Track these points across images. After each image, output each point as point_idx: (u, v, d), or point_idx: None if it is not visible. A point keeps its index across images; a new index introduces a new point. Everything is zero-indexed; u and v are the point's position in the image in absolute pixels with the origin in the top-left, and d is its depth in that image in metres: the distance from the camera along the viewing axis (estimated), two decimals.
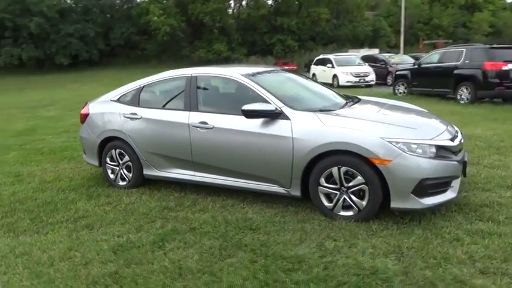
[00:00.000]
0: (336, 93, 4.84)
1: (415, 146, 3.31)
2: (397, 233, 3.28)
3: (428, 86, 12.44)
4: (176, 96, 4.48)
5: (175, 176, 4.48)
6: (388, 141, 3.30)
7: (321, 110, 3.81)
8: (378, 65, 20.55)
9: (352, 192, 3.49)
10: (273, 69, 5.09)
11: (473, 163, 5.10)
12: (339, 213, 3.58)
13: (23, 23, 34.55)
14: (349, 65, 19.90)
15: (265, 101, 3.81)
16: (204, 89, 4.32)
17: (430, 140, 3.41)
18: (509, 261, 2.78)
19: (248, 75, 4.10)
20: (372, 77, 19.20)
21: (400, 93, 13.77)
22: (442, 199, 3.42)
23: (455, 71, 11.24)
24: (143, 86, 4.77)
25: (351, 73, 19.12)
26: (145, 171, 4.67)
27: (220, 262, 2.97)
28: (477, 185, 4.33)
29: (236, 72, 4.16)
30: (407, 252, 2.97)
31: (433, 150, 3.37)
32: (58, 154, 7.01)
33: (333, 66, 20.10)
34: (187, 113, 4.24)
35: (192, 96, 4.30)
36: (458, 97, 11.15)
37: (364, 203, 3.45)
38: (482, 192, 4.12)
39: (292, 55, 42.26)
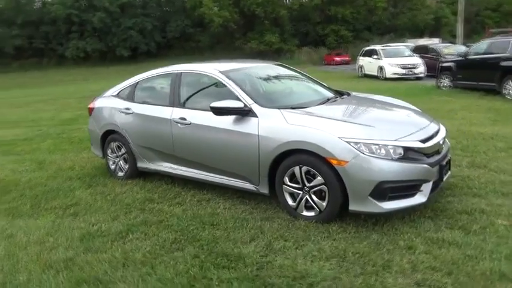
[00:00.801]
0: (327, 88, 4.74)
1: (376, 147, 3.18)
2: (351, 237, 3.20)
3: (473, 79, 11.60)
4: (163, 92, 4.63)
5: (162, 169, 4.66)
6: (346, 142, 3.20)
7: (293, 108, 3.76)
8: (430, 56, 19.39)
9: (314, 193, 3.44)
10: (264, 65, 5.06)
11: (480, 166, 4.78)
12: (302, 213, 3.54)
13: (87, 17, 36.89)
14: (397, 57, 19.06)
15: (237, 98, 3.83)
16: (187, 85, 4.43)
17: (395, 140, 3.25)
18: (454, 274, 2.61)
19: (226, 72, 4.14)
20: (421, 69, 18.23)
21: (445, 86, 12.98)
22: (407, 204, 3.27)
23: (502, 63, 10.38)
24: (137, 82, 4.97)
25: (398, 65, 18.32)
26: (138, 164, 4.90)
27: (166, 255, 3.08)
28: (470, 190, 4.06)
29: (214, 69, 4.22)
30: (350, 257, 2.89)
31: (400, 151, 3.22)
32: (84, 144, 7.47)
33: (379, 58, 19.35)
34: (171, 109, 4.38)
35: (175, 93, 4.43)
36: (505, 92, 10.31)
37: (324, 204, 3.39)
38: (471, 197, 3.87)
39: (346, 46, 41.11)
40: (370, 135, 3.25)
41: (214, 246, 3.15)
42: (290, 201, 3.60)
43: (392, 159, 3.18)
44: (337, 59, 37.00)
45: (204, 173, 4.24)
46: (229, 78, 4.03)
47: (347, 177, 3.20)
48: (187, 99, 4.37)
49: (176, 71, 4.54)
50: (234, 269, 2.82)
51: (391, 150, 3.20)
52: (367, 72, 20.85)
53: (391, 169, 3.15)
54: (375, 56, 19.76)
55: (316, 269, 2.75)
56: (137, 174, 5.03)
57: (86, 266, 3.01)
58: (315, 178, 3.39)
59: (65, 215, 4.14)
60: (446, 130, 4.05)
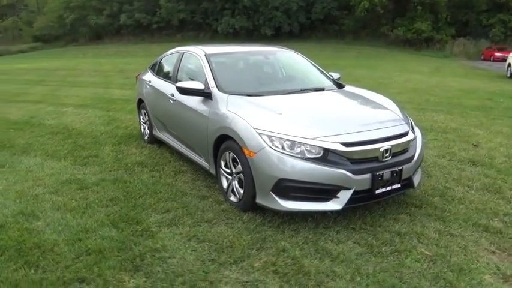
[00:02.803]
0: (328, 77, 4.58)
1: (289, 143, 3.09)
2: (245, 228, 3.21)
3: None
4: (171, 69, 5.08)
5: (164, 138, 5.17)
6: (258, 133, 3.19)
7: (249, 95, 3.81)
8: None
9: (238, 180, 3.51)
10: (265, 49, 5.05)
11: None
12: (230, 198, 3.65)
13: None
14: None
15: (205, 80, 4.05)
16: (183, 65, 4.78)
17: (311, 139, 3.08)
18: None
19: (209, 55, 4.36)
20: None
21: None
22: (314, 207, 3.13)
23: None
24: (162, 58, 5.52)
25: None
26: (153, 131, 5.51)
27: (97, 207, 3.59)
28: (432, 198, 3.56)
29: (201, 50, 4.47)
30: (224, 245, 2.96)
31: (317, 151, 3.07)
32: None
33: None
34: (171, 85, 4.81)
35: (175, 71, 4.85)
36: None
37: (242, 192, 3.45)
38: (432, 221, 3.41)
39: None
40: (289, 130, 3.15)
41: (128, 210, 3.52)
42: (225, 185, 3.73)
43: (302, 158, 3.05)
44: (498, 54, 32.11)
45: (183, 146, 4.60)
46: (208, 61, 4.25)
47: (254, 168, 3.21)
48: (181, 77, 4.72)
49: (182, 51, 4.92)
50: (121, 230, 3.16)
51: (307, 149, 3.07)
52: None
53: (295, 168, 3.04)
54: None
55: (172, 245, 2.92)
56: (156, 140, 5.63)
57: (40, 201, 3.71)
58: (237, 165, 3.46)
59: (77, 162, 4.98)
60: (420, 140, 3.61)
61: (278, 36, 40.97)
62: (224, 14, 42.15)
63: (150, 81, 5.44)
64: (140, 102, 5.89)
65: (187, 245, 2.95)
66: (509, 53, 30.75)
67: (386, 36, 39.05)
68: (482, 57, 33.47)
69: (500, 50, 32.82)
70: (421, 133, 3.85)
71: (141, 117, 5.95)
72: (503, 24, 36.78)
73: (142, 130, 5.96)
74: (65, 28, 49.43)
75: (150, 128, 5.58)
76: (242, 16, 41.49)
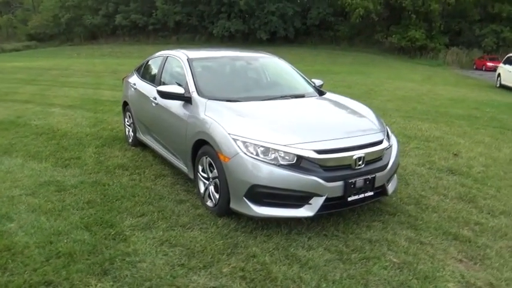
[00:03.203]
0: (310, 84, 4.64)
1: (262, 149, 3.13)
2: (218, 233, 3.23)
3: None
4: (154, 72, 5.10)
5: (147, 141, 5.18)
6: (233, 139, 3.22)
7: (228, 100, 3.84)
8: None
9: (214, 185, 3.53)
10: (248, 55, 5.07)
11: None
12: (206, 203, 3.67)
13: (236, 0, 39.55)
14: None
15: (186, 85, 4.08)
16: (166, 68, 4.80)
17: (285, 146, 3.12)
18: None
19: (191, 59, 4.38)
20: None
21: None
22: (286, 214, 3.16)
23: None
24: (147, 61, 5.54)
25: None
26: (137, 134, 5.51)
27: (72, 210, 3.60)
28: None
29: (184, 54, 4.49)
30: (196, 250, 2.98)
31: (290, 158, 3.10)
32: None
33: None
34: (153, 88, 4.82)
35: (159, 74, 4.87)
36: None
37: (217, 197, 3.47)
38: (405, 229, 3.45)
39: (507, 50, 35.58)
40: (263, 136, 3.18)
41: (103, 213, 3.53)
42: (202, 189, 3.75)
43: (275, 165, 3.08)
44: (490, 64, 32.47)
45: (164, 150, 4.62)
46: (189, 65, 4.28)
47: (228, 174, 3.24)
48: (164, 80, 4.74)
49: (166, 55, 4.95)
50: (94, 233, 3.17)
51: (280, 155, 3.10)
52: (503, 83, 18.06)
53: (268, 174, 3.07)
54: None
55: (143, 250, 2.93)
56: (139, 143, 5.63)
57: (15, 202, 3.71)
58: (213, 170, 3.49)
59: (58, 164, 4.97)
60: (395, 148, 3.66)
61: (273, 40, 41.16)
62: (220, 17, 42.26)
63: (134, 84, 5.46)
64: (125, 104, 5.90)
65: (158, 250, 2.96)
66: (500, 63, 31.30)
67: (381, 43, 39.37)
68: (474, 67, 33.83)
69: (492, 60, 33.15)
70: (402, 141, 3.90)
71: (126, 119, 5.96)
72: (496, 35, 37.21)
73: (127, 133, 5.97)
74: (60, 27, 49.27)
75: (134, 131, 5.59)
76: (238, 20, 41.63)
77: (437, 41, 37.59)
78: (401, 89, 14.57)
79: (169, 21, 44.03)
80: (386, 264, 2.85)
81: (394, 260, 2.91)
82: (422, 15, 37.33)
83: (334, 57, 34.56)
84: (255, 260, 2.85)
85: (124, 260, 2.81)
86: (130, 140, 5.81)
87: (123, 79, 6.33)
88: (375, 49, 39.50)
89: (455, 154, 5.67)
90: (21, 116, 7.98)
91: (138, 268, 2.72)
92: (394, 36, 37.66)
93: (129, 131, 5.85)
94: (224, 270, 2.73)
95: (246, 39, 42.44)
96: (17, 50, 46.38)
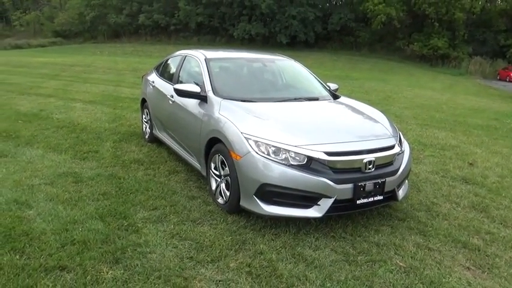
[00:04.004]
0: (325, 88, 4.68)
1: (274, 149, 3.19)
2: (227, 229, 3.29)
3: None
4: (173, 71, 5.21)
5: (163, 138, 5.29)
6: (245, 138, 3.29)
7: (243, 100, 3.91)
8: None
9: (226, 182, 3.61)
10: (263, 57, 5.15)
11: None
12: (217, 200, 3.75)
13: (257, 3, 39.70)
14: None
15: (202, 83, 4.17)
16: (185, 67, 4.91)
17: (296, 146, 3.17)
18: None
19: (209, 59, 4.47)
20: None
21: None
22: (295, 213, 3.20)
23: None
24: (166, 60, 5.67)
25: None
26: (154, 131, 5.64)
27: (88, 200, 3.71)
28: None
29: (202, 54, 4.59)
30: (205, 244, 3.05)
31: (301, 158, 3.15)
32: None
33: None
34: (171, 86, 4.93)
35: (177, 73, 4.98)
36: None
37: (228, 194, 3.54)
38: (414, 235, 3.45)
39: None
40: (275, 137, 3.24)
41: (117, 205, 3.64)
42: (214, 187, 3.83)
43: (286, 165, 3.13)
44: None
45: (178, 146, 4.72)
46: (207, 65, 4.37)
47: (239, 172, 3.31)
48: (181, 79, 4.85)
49: (184, 54, 5.06)
50: (107, 224, 3.28)
51: (291, 156, 3.15)
52: None
53: (278, 174, 3.12)
54: None
55: (154, 241, 3.02)
56: (155, 140, 5.75)
57: (35, 191, 3.85)
58: (225, 168, 3.56)
59: (77, 156, 5.12)
60: (407, 154, 3.67)
61: (293, 44, 41.13)
62: (241, 20, 42.47)
63: (153, 82, 5.59)
64: (143, 101, 6.03)
65: (168, 242, 3.04)
66: None
67: (402, 50, 38.93)
68: (498, 77, 33.25)
69: None
70: (417, 148, 3.90)
71: (143, 116, 6.09)
72: None
73: (144, 129, 6.10)
74: (84, 25, 50.27)
75: (151, 127, 5.71)
76: (259, 22, 41.75)
77: (460, 50, 37.00)
78: (421, 96, 14.43)
79: (191, 22, 44.48)
80: (392, 267, 2.87)
81: (401, 264, 2.92)
82: (445, 24, 36.83)
83: (354, 63, 34.36)
84: (262, 256, 2.90)
85: (135, 250, 2.89)
86: (146, 137, 5.93)
87: (142, 77, 6.47)
88: (395, 56, 39.08)
89: (470, 163, 5.62)
90: (43, 110, 8.21)
91: (148, 258, 2.80)
92: (416, 44, 37.22)
93: (146, 128, 5.98)
94: (231, 265, 2.79)
95: (266, 42, 42.54)
96: (42, 45, 47.54)
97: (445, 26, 36.84)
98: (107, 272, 2.62)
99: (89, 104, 9.17)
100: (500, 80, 32.34)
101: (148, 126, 5.85)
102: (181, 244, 3.03)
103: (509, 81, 30.99)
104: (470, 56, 36.92)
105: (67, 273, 2.60)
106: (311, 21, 39.96)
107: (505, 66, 34.62)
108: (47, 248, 2.85)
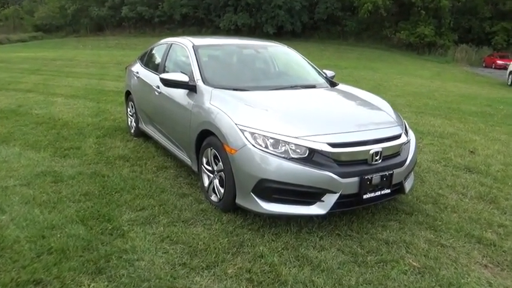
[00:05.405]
0: (321, 75, 4.39)
1: (272, 141, 2.89)
2: (222, 230, 3.01)
3: None
4: (158, 60, 4.86)
5: (149, 132, 4.96)
6: (241, 129, 2.99)
7: (235, 89, 3.60)
8: None
9: (219, 178, 3.31)
10: (255, 43, 4.83)
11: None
12: (210, 197, 3.45)
13: None
14: None
15: (191, 72, 3.84)
16: (171, 56, 4.57)
17: (296, 138, 2.88)
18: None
19: (197, 46, 4.14)
20: None
21: None
22: (297, 211, 2.92)
23: None
24: (151, 49, 5.31)
25: None
26: (140, 125, 5.29)
27: (68, 202, 3.38)
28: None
29: (189, 42, 4.25)
30: (199, 247, 2.76)
31: (302, 151, 2.86)
32: None
33: None
34: (157, 76, 4.59)
35: (162, 62, 4.63)
36: None
37: (222, 191, 3.25)
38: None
39: None
40: (273, 128, 2.95)
41: (101, 206, 3.32)
42: (206, 183, 3.53)
43: (286, 158, 2.84)
44: (500, 62, 32.08)
45: (166, 141, 4.40)
46: (195, 53, 4.04)
47: (234, 167, 3.01)
48: (167, 68, 4.51)
49: (170, 42, 4.71)
50: (89, 228, 2.95)
51: (291, 148, 2.86)
52: None
53: (277, 168, 2.83)
54: None
55: (142, 247, 2.72)
56: (142, 134, 5.41)
57: (9, 193, 3.51)
58: (218, 163, 3.26)
59: (57, 154, 4.76)
60: (413, 143, 3.41)
61: (280, 34, 40.69)
62: (227, 11, 41.86)
63: (137, 73, 5.24)
64: (128, 94, 5.68)
65: (158, 247, 2.75)
66: (510, 61, 30.80)
67: (389, 39, 38.88)
68: (483, 64, 33.40)
69: (502, 57, 32.71)
70: (415, 137, 3.65)
71: (128, 109, 5.74)
72: (506, 32, 36.67)
73: (129, 123, 5.75)
74: (66, 18, 49.03)
75: (137, 121, 5.37)
76: (244, 13, 41.21)
77: (446, 37, 37.05)
78: (411, 84, 14.27)
79: (176, 14, 43.69)
80: (406, 268, 2.62)
81: (414, 263, 2.67)
82: (431, 12, 36.75)
83: (341, 52, 34.13)
84: (262, 260, 2.62)
85: (121, 257, 2.59)
86: (132, 131, 5.59)
87: (126, 68, 6.10)
88: (382, 45, 39.01)
89: (471, 151, 5.41)
90: (22, 105, 7.78)
91: (135, 267, 2.50)
92: (402, 32, 37.15)
93: (131, 121, 5.63)
94: (229, 271, 2.50)
95: (252, 33, 41.98)
96: (23, 40, 46.23)
97: (432, 14, 36.77)
98: (89, 285, 2.32)
99: (71, 99, 8.75)
100: (485, 67, 32.49)
101: (133, 120, 5.51)
102: (173, 249, 2.73)
103: (495, 68, 31.13)
104: (456, 44, 37.03)
105: None
106: (297, 10, 39.54)
107: (491, 53, 34.77)
108: (20, 258, 2.53)
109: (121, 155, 4.74)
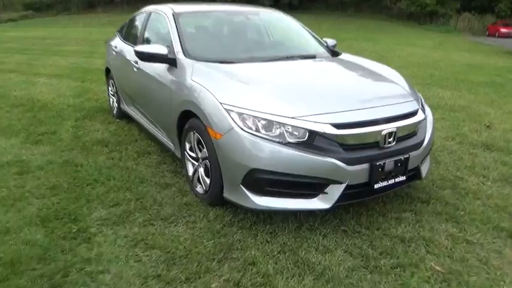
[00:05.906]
0: (322, 44, 3.85)
1: (264, 122, 2.39)
2: (207, 227, 2.55)
3: None
4: (137, 32, 4.31)
5: (130, 112, 4.46)
6: (226, 109, 2.48)
7: (221, 62, 3.07)
8: None
9: (204, 166, 2.83)
10: (244, 9, 4.25)
11: None
12: (196, 188, 2.97)
13: None
14: None
15: (171, 44, 3.30)
16: (150, 26, 4.02)
17: (292, 118, 2.38)
18: None
19: (178, 14, 3.59)
20: None
21: None
22: (296, 206, 2.45)
23: None
24: (130, 20, 4.74)
25: None
26: (121, 105, 4.78)
27: (30, 193, 2.92)
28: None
29: (170, 9, 3.69)
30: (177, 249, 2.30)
31: (301, 134, 2.36)
32: None
33: None
34: None
35: (142, 33, 4.09)
36: None
37: (208, 182, 2.77)
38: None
39: None
40: (265, 106, 2.44)
41: (68, 202, 2.86)
42: (191, 172, 3.04)
43: (281, 143, 2.35)
44: (503, 30, 31.25)
45: (148, 122, 3.90)
46: (175, 21, 3.49)
47: (220, 155, 2.53)
48: (146, 41, 3.96)
49: (150, 11, 4.15)
50: (50, 231, 2.49)
51: (288, 131, 2.36)
52: None
53: (271, 155, 2.34)
54: None
55: (109, 254, 2.25)
56: (125, 115, 4.90)
57: None
58: (203, 149, 2.77)
59: (29, 140, 4.28)
60: (431, 120, 2.91)
61: (277, 7, 39.08)
62: None
63: (115, 47, 4.69)
64: (108, 71, 5.14)
65: (130, 253, 2.29)
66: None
67: (389, 9, 37.75)
68: (487, 33, 32.50)
69: (505, 25, 31.82)
70: (432, 112, 3.15)
71: (110, 88, 5.22)
72: None
73: (111, 103, 5.24)
74: None
75: (118, 102, 4.86)
76: None
77: (448, 6, 35.89)
78: (414, 55, 13.62)
79: None
80: (428, 274, 2.16)
81: (437, 268, 2.22)
82: None
83: (340, 23, 33.06)
84: (254, 269, 2.17)
85: (82, 270, 2.14)
86: (114, 112, 5.09)
87: (105, 42, 5.53)
88: (382, 15, 37.91)
89: (487, 126, 4.92)
90: (1, 86, 7.23)
91: (98, 282, 2.05)
92: (403, 1, 36.01)
93: (113, 102, 5.12)
94: (213, 285, 2.05)
95: (248, 4, 40.85)
96: (13, 20, 44.92)
97: None
98: None
99: (54, 78, 8.19)
100: (489, 35, 31.63)
101: (115, 100, 4.99)
102: (147, 256, 2.27)
103: (499, 36, 30.30)
104: (458, 12, 35.94)
105: None
106: None
107: (494, 21, 33.79)
108: None
109: (100, 139, 4.25)
